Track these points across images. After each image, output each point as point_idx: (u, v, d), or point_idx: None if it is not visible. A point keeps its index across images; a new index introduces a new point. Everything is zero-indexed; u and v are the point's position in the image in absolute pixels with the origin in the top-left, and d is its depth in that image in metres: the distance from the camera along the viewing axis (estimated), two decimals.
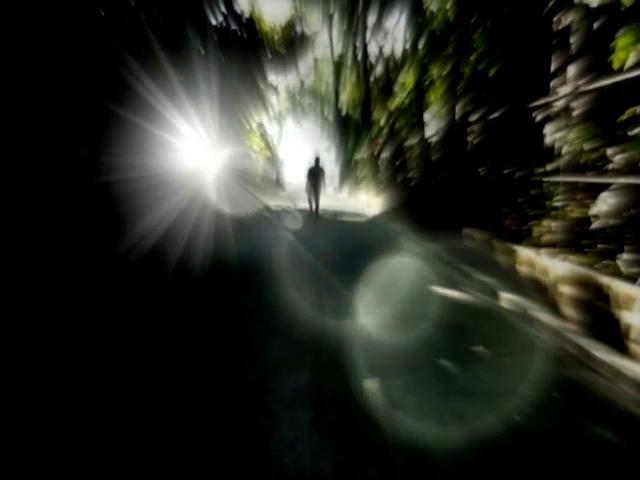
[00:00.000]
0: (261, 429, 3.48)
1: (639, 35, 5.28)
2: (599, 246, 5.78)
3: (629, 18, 5.41)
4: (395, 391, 4.10)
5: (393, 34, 41.63)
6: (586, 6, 6.16)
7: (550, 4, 6.96)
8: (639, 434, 3.53)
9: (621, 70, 5.48)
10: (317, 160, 17.35)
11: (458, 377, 4.41)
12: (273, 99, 33.72)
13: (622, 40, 5.41)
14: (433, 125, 15.55)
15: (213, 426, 3.50)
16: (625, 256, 5.27)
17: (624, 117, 5.34)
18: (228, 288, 7.30)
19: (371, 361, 4.69)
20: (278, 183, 46.32)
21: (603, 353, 4.83)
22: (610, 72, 5.68)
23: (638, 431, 3.58)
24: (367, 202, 25.41)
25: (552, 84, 7.07)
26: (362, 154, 28.35)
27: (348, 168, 33.03)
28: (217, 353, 4.83)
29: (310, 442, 3.32)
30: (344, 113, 34.52)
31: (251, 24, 22.34)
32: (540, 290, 6.63)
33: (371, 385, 4.20)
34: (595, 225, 5.83)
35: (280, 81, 32.63)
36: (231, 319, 5.88)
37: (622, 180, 5.37)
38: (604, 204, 5.66)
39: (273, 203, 26.37)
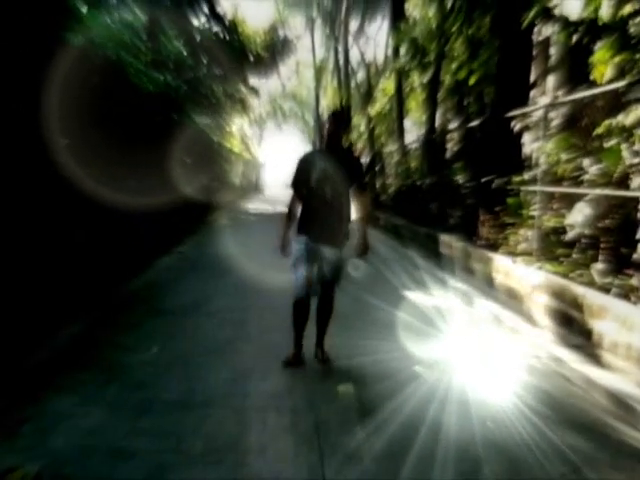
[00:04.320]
0: None
1: (616, 49, 5.35)
2: (574, 255, 5.83)
3: (606, 32, 5.49)
4: None
5: (375, 40, 41.97)
6: (565, 19, 6.24)
7: (531, 15, 7.02)
8: (607, 442, 3.56)
9: (596, 83, 5.56)
10: (338, 120, 4.83)
11: (432, 382, 4.40)
12: (254, 102, 33.60)
13: (600, 53, 5.49)
14: (413, 132, 15.64)
15: None
16: (599, 266, 5.32)
17: (601, 129, 5.40)
18: None
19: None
20: (258, 187, 46.29)
21: (576, 362, 4.87)
22: (587, 84, 5.75)
23: (606, 438, 3.60)
24: None
25: (531, 94, 7.15)
26: None
27: None
28: None
29: None
30: (325, 118, 34.56)
31: (233, 27, 22.25)
32: (516, 298, 6.68)
33: None
34: (570, 235, 5.88)
35: (261, 84, 32.53)
36: None
37: (597, 191, 5.43)
38: (579, 214, 5.72)
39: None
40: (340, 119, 4.87)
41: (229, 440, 3.38)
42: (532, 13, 6.98)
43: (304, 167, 4.81)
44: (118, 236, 7.78)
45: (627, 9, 5.24)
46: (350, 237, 4.85)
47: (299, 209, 4.89)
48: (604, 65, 5.47)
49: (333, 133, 4.77)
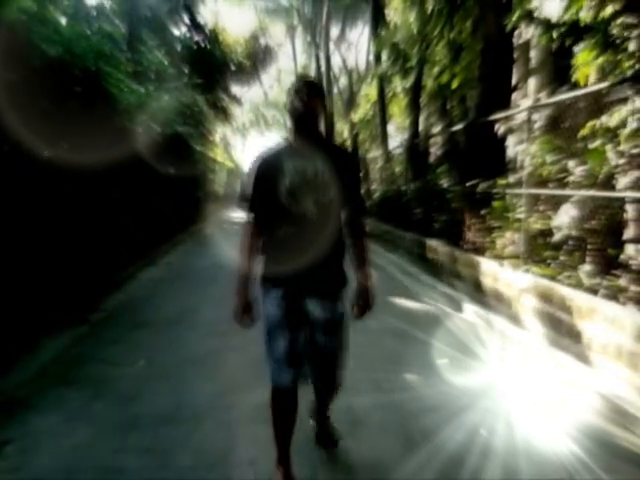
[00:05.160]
0: None
1: (598, 50, 5.37)
2: (561, 257, 5.82)
3: (588, 34, 5.51)
4: None
5: (357, 46, 42.04)
6: (547, 21, 6.25)
7: (514, 18, 7.02)
8: (600, 444, 3.53)
9: (578, 84, 5.57)
10: (313, 90, 2.80)
11: (421, 387, 4.36)
12: (236, 111, 33.51)
13: (582, 55, 5.50)
14: (397, 137, 15.64)
15: None
16: (586, 267, 5.31)
17: (585, 131, 5.40)
18: None
19: None
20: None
21: (566, 365, 4.85)
22: (569, 86, 5.77)
23: (599, 441, 3.58)
24: None
25: (513, 97, 7.16)
26: None
27: None
28: None
29: None
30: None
31: (214, 36, 22.24)
32: (504, 302, 6.66)
33: None
34: (557, 237, 5.87)
35: (244, 93, 32.47)
36: None
37: (583, 193, 5.43)
38: (566, 216, 5.71)
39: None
40: (316, 90, 2.88)
41: (218, 454, 3.31)
42: (515, 16, 6.99)
43: (265, 173, 2.86)
44: (105, 246, 7.72)
45: (608, 11, 5.27)
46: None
47: (261, 243, 2.99)
48: (587, 67, 5.49)
49: (307, 110, 2.79)
